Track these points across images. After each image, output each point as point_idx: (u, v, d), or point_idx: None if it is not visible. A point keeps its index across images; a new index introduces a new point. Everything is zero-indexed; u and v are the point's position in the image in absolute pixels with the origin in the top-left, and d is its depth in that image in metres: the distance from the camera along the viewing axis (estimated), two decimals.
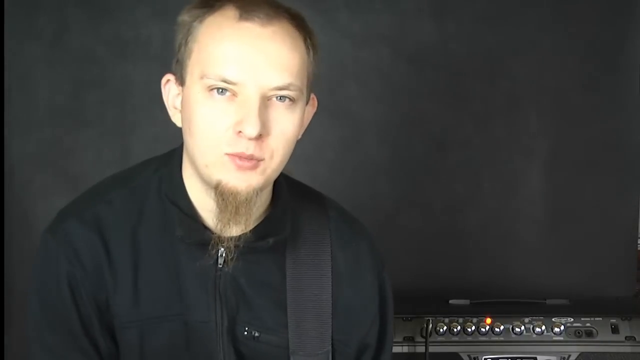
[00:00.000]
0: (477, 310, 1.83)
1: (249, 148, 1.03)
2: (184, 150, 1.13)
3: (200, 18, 1.06)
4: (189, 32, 1.07)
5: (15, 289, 2.03)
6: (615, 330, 1.78)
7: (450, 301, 1.90)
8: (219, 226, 1.07)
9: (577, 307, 1.86)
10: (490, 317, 1.79)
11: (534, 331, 1.78)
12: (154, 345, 1.16)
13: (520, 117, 2.13)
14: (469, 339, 1.78)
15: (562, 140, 2.13)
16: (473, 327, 1.78)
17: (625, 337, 1.77)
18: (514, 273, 2.11)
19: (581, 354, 1.76)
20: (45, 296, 1.15)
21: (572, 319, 1.79)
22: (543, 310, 1.84)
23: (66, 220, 1.15)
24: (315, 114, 1.18)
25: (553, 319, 1.79)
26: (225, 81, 1.02)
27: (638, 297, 2.12)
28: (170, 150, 1.21)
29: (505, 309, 1.83)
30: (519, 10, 2.10)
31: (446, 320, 1.79)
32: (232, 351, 1.17)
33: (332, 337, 1.20)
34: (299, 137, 1.11)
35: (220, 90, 1.03)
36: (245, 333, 1.18)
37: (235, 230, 1.09)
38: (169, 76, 1.13)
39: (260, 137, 1.03)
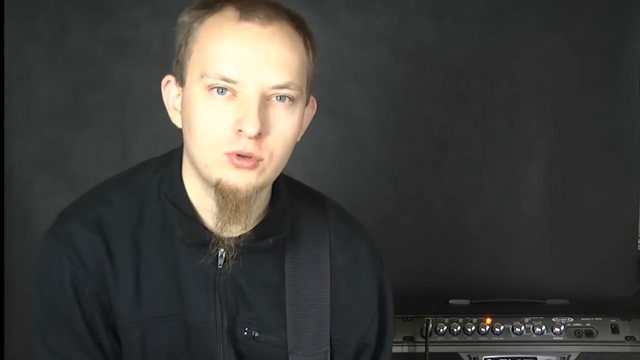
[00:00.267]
0: (477, 310, 1.83)
1: (248, 146, 1.03)
2: (184, 151, 1.14)
3: (201, 19, 1.07)
4: (189, 32, 1.07)
5: (15, 289, 2.03)
6: (615, 330, 1.78)
7: (450, 301, 1.90)
8: (218, 225, 1.07)
9: (577, 307, 1.86)
10: (490, 317, 1.80)
11: (534, 331, 1.78)
12: (156, 345, 1.16)
13: (520, 117, 2.13)
14: (469, 339, 1.78)
15: (562, 140, 2.13)
16: (473, 327, 1.78)
17: (625, 337, 1.77)
18: (514, 273, 2.12)
19: (581, 354, 1.77)
20: (48, 297, 1.15)
21: (572, 319, 1.79)
22: (543, 310, 1.84)
23: (68, 222, 1.15)
24: (315, 114, 1.18)
25: (553, 319, 1.79)
26: (225, 80, 1.03)
27: (638, 297, 2.12)
28: (170, 151, 1.21)
29: (505, 309, 1.83)
30: (519, 10, 2.10)
31: (446, 320, 1.79)
32: (232, 351, 1.17)
33: (331, 336, 1.21)
34: (299, 139, 1.12)
35: (220, 89, 1.03)
36: (245, 333, 1.18)
37: (235, 231, 1.09)
38: (169, 77, 1.13)
39: (259, 137, 1.03)
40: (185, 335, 1.16)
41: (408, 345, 1.77)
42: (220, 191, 1.05)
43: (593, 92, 2.11)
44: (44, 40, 2.03)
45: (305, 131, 1.16)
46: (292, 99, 1.06)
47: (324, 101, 1.24)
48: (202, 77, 1.04)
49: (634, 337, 1.77)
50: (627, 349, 1.76)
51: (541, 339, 1.78)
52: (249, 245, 1.11)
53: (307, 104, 1.13)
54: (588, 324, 1.79)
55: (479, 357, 1.77)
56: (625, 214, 2.13)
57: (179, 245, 1.13)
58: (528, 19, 2.10)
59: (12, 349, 2.03)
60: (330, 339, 1.21)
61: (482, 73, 2.11)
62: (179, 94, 1.11)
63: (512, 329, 1.79)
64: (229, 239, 1.10)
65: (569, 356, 1.77)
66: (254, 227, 1.13)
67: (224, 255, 1.13)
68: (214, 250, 1.11)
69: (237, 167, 1.04)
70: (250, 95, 1.03)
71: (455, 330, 1.78)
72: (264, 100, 1.04)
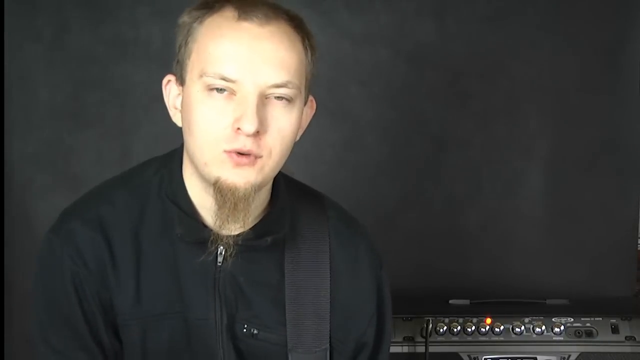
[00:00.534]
0: (477, 310, 1.83)
1: (247, 144, 1.04)
2: (184, 150, 1.14)
3: (200, 19, 1.08)
4: (188, 33, 1.08)
5: (15, 288, 2.03)
6: (615, 330, 1.78)
7: (450, 301, 1.90)
8: (217, 223, 1.08)
9: (577, 307, 1.86)
10: (490, 317, 1.80)
11: (534, 331, 1.78)
12: (155, 343, 1.17)
13: (520, 117, 2.13)
14: (469, 339, 1.78)
15: (562, 140, 2.13)
16: (473, 327, 1.78)
17: (625, 337, 1.77)
18: (514, 273, 2.12)
19: (581, 354, 1.77)
20: (49, 296, 1.15)
21: (572, 319, 1.79)
22: (543, 310, 1.84)
23: (69, 221, 1.16)
24: (315, 113, 1.19)
25: (553, 319, 1.79)
26: (223, 79, 1.04)
27: (638, 297, 2.12)
28: (170, 151, 1.22)
29: (505, 309, 1.83)
30: (519, 10, 2.10)
31: (446, 320, 1.79)
32: (232, 348, 1.18)
33: (330, 335, 1.21)
34: (297, 138, 1.12)
35: (219, 89, 1.04)
36: (244, 331, 1.18)
37: (233, 229, 1.09)
38: (169, 77, 1.14)
39: (258, 135, 1.04)
40: (185, 333, 1.17)
41: (408, 345, 1.77)
42: (219, 189, 1.05)
43: (593, 92, 2.11)
44: (44, 40, 2.03)
45: (305, 131, 1.17)
46: (290, 98, 1.07)
47: (324, 101, 1.25)
48: (201, 76, 1.05)
49: (634, 337, 1.77)
50: (627, 349, 1.76)
51: (541, 339, 1.78)
52: (247, 243, 1.12)
53: (306, 104, 1.13)
54: (588, 324, 1.79)
55: (479, 357, 1.77)
56: (625, 214, 2.13)
57: (178, 243, 1.14)
58: (528, 19, 2.10)
59: (12, 348, 2.03)
60: (330, 337, 1.21)
61: (482, 73, 2.11)
62: (179, 94, 1.12)
63: (512, 329, 1.79)
64: (227, 236, 1.10)
65: (569, 356, 1.77)
66: (253, 226, 1.13)
67: (223, 253, 1.14)
68: (213, 248, 1.11)
69: (237, 164, 1.04)
70: (248, 94, 1.03)
71: (455, 330, 1.78)
72: (263, 99, 1.05)
